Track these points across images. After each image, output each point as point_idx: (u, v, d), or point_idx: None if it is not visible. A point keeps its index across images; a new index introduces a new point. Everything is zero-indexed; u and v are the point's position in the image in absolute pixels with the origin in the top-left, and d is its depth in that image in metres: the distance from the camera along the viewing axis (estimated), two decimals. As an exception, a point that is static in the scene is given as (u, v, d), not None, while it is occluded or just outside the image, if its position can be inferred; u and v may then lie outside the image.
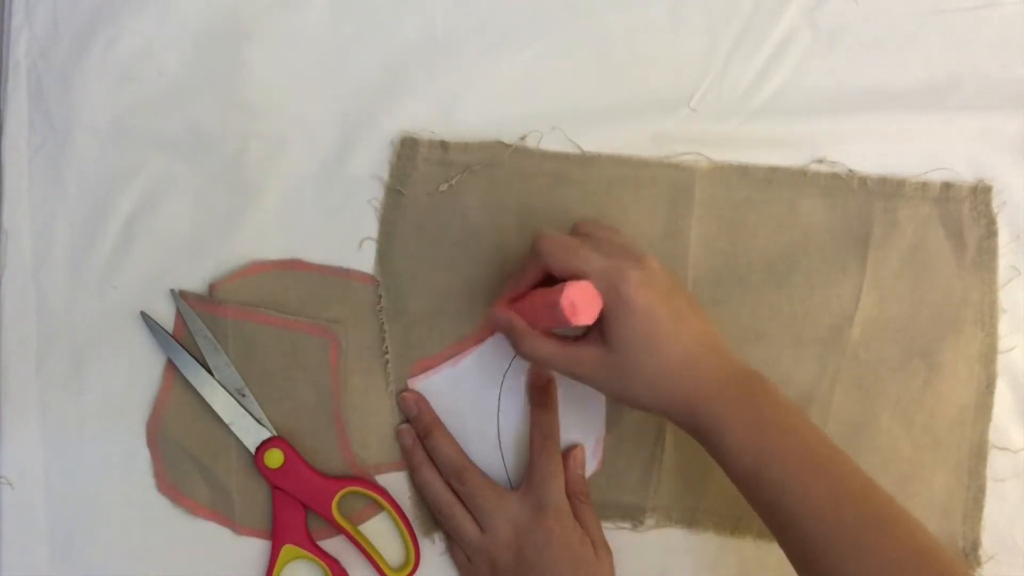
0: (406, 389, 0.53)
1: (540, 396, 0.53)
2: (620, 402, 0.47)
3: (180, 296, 0.53)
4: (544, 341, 0.47)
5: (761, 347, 0.54)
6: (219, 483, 0.53)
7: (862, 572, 0.41)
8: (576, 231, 0.49)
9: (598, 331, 0.45)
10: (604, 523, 0.53)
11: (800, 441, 0.44)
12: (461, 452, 0.53)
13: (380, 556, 0.53)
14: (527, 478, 0.52)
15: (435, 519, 0.53)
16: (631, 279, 0.44)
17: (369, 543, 0.53)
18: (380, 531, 0.53)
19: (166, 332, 0.52)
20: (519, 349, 0.47)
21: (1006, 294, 0.54)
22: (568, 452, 0.53)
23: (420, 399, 0.53)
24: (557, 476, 0.51)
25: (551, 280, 0.47)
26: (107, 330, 0.53)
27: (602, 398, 0.54)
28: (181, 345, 0.52)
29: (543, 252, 0.46)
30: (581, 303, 0.44)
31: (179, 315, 0.53)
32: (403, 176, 0.54)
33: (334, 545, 0.53)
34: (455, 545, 0.53)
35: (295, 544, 0.52)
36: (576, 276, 0.44)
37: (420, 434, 0.53)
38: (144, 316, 0.53)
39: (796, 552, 0.44)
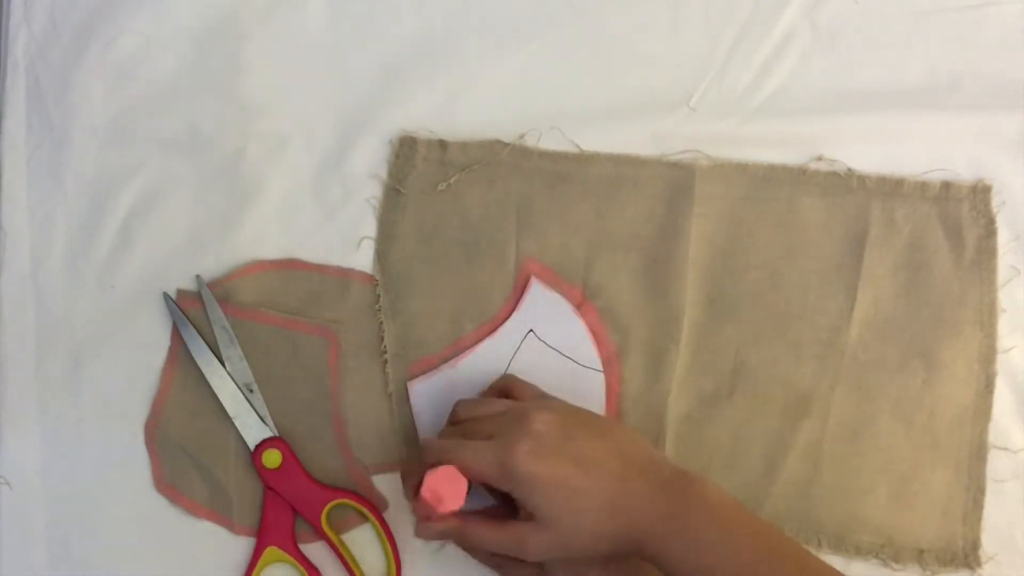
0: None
1: None
2: (579, 564, 0.47)
3: (203, 285, 0.52)
4: (483, 527, 0.45)
5: (760, 347, 0.53)
6: (217, 483, 0.53)
7: None
8: (455, 417, 0.48)
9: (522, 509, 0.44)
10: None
11: (735, 551, 0.42)
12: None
13: (360, 571, 0.52)
14: None
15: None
16: (518, 454, 0.43)
17: (351, 556, 0.52)
18: (364, 542, 0.52)
19: (184, 316, 0.52)
20: (465, 546, 0.48)
21: (1005, 294, 0.54)
22: None
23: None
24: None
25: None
26: (105, 329, 0.53)
27: (602, 398, 0.53)
28: (198, 331, 0.52)
29: (426, 462, 0.45)
30: (445, 490, 0.43)
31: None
32: (402, 175, 0.54)
33: (317, 551, 0.52)
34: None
35: (279, 547, 0.51)
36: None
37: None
38: (166, 297, 0.52)
39: None
